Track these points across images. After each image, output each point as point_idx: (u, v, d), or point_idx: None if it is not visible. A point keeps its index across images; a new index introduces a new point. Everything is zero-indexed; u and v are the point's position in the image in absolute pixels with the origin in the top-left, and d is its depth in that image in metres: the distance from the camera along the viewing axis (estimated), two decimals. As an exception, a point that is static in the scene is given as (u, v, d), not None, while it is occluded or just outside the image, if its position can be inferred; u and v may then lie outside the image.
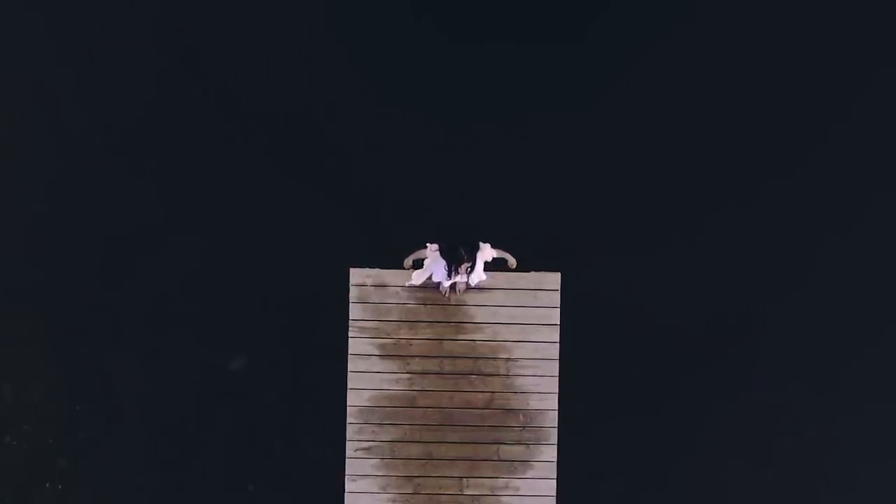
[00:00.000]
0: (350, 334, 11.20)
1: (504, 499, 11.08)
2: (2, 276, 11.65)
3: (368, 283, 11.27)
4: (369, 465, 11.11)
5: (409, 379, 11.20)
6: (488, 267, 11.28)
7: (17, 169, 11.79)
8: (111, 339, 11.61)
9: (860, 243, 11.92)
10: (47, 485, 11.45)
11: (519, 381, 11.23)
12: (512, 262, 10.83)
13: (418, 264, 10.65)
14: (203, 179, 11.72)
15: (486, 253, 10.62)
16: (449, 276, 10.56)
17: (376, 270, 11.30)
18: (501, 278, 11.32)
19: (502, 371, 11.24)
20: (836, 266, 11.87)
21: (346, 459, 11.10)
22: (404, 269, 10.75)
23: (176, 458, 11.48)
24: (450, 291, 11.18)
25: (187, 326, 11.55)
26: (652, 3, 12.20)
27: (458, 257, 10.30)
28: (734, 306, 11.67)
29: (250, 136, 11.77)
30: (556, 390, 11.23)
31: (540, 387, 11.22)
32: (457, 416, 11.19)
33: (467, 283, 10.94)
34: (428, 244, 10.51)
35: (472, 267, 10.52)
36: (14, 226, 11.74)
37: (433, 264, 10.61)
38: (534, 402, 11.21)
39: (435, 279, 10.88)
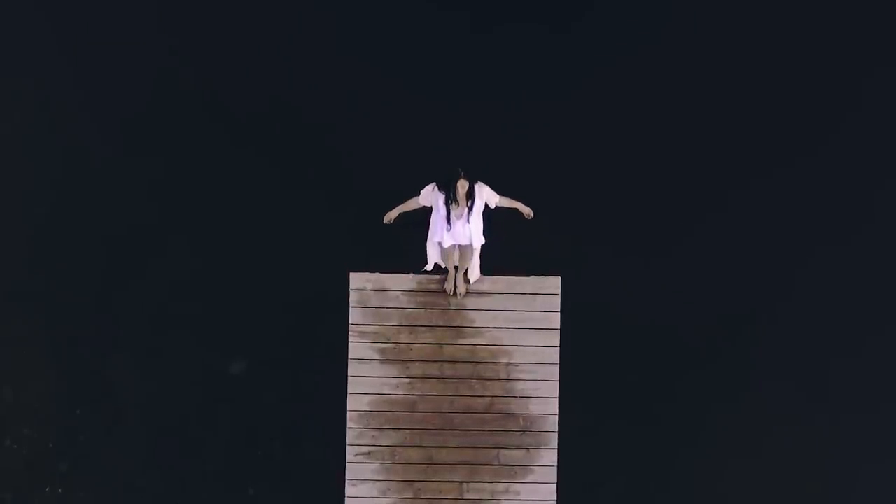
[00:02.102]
0: (350, 339, 11.19)
1: (504, 503, 11.08)
2: (2, 279, 11.62)
3: (368, 288, 11.25)
4: (369, 470, 11.11)
5: (409, 383, 11.19)
6: (488, 270, 11.30)
7: (17, 171, 11.74)
8: (112, 343, 11.59)
9: (859, 244, 11.89)
10: (47, 488, 11.46)
11: (519, 386, 11.22)
12: (526, 210, 10.81)
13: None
14: (204, 183, 11.69)
15: (486, 192, 10.63)
16: (448, 215, 10.51)
17: (376, 275, 11.29)
18: (502, 282, 11.32)
19: (502, 375, 11.23)
20: (836, 267, 11.85)
21: (347, 464, 11.10)
22: (384, 223, 10.75)
23: (176, 462, 11.49)
24: (452, 294, 11.17)
25: (188, 330, 11.53)
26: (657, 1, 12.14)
27: (455, 175, 10.36)
28: (734, 310, 11.66)
29: (251, 139, 11.73)
30: (557, 394, 11.23)
31: (540, 391, 11.22)
32: (457, 421, 11.19)
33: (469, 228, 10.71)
34: (423, 189, 10.58)
35: (473, 201, 10.51)
36: (14, 228, 11.70)
37: (435, 215, 10.64)
38: (534, 407, 11.21)
39: (436, 237, 10.78)
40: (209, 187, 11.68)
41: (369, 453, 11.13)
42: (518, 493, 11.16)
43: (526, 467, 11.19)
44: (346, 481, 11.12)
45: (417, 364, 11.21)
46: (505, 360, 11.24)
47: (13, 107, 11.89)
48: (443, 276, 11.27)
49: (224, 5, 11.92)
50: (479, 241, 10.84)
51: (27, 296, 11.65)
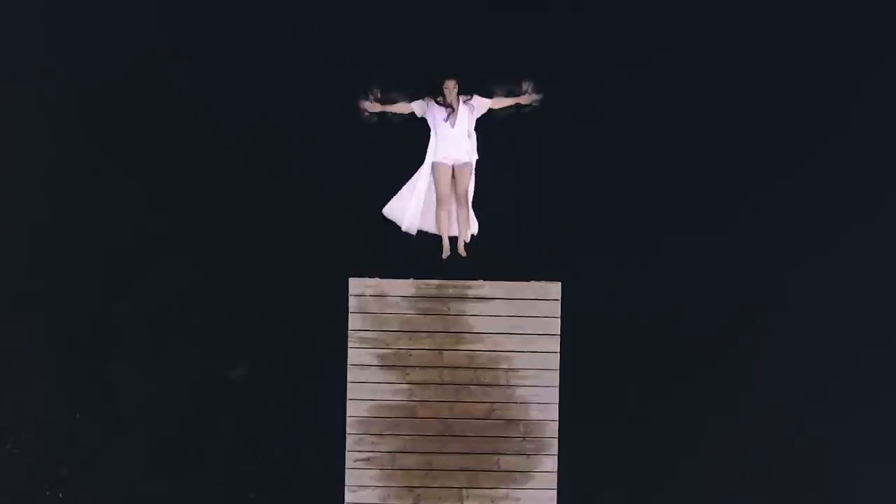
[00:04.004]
0: (350, 344, 11.14)
1: (504, 509, 11.07)
2: (2, 285, 11.61)
3: (368, 294, 11.20)
4: (369, 476, 11.08)
5: (408, 389, 11.14)
6: (488, 275, 11.27)
7: (16, 177, 11.72)
8: (112, 348, 11.58)
9: (860, 247, 11.82)
10: (48, 492, 11.48)
11: (519, 392, 11.17)
12: (526, 99, 10.86)
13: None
14: (204, 190, 11.65)
15: (478, 101, 10.80)
16: (446, 108, 10.70)
17: (376, 280, 11.24)
18: (502, 288, 11.26)
19: (502, 381, 11.17)
20: (837, 271, 11.78)
21: (346, 470, 11.07)
22: (361, 107, 10.81)
23: (177, 466, 11.49)
24: (448, 249, 11.18)
25: (188, 336, 11.53)
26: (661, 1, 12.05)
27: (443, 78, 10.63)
28: (735, 316, 11.61)
29: (251, 147, 11.69)
30: (557, 400, 11.19)
31: (540, 397, 11.16)
32: (457, 427, 11.14)
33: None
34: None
35: (469, 97, 10.75)
36: (14, 234, 11.68)
37: (433, 130, 10.87)
38: (534, 413, 11.15)
39: (438, 153, 10.89)
40: (209, 194, 11.66)
41: (369, 459, 11.09)
42: (518, 499, 11.11)
43: (526, 473, 11.14)
44: (346, 487, 11.09)
45: (417, 370, 11.17)
46: (505, 365, 11.19)
47: (13, 114, 11.84)
48: (442, 282, 11.24)
49: (222, 10, 11.84)
50: (475, 154, 10.90)
51: (28, 302, 11.65)
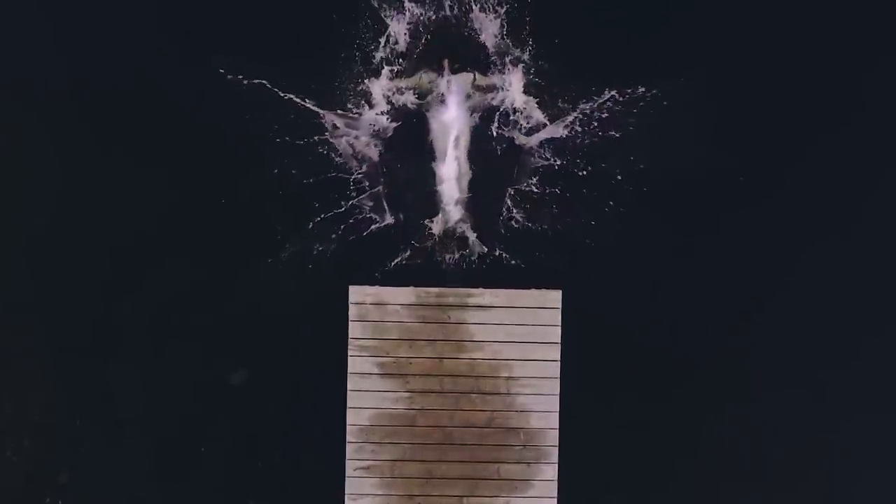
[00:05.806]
0: (350, 353, 11.17)
1: (505, 518, 11.11)
2: (2, 289, 11.58)
3: (368, 301, 11.21)
4: (369, 485, 11.11)
5: (409, 398, 11.17)
6: (491, 281, 11.27)
7: (16, 181, 11.67)
8: (112, 353, 11.55)
9: (857, 250, 11.78)
10: (48, 500, 11.47)
11: (520, 400, 11.20)
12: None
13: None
14: (205, 192, 11.59)
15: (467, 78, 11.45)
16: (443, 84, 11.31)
17: (376, 288, 11.25)
18: (502, 296, 11.26)
19: (503, 390, 11.20)
20: (835, 273, 11.75)
21: (346, 478, 11.11)
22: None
23: (177, 473, 11.48)
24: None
25: (188, 341, 11.49)
26: (659, 3, 11.96)
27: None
28: (736, 321, 11.57)
29: (253, 150, 11.62)
30: (557, 409, 11.21)
31: (541, 405, 11.20)
32: (457, 435, 11.17)
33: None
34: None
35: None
36: (14, 238, 11.64)
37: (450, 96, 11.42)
38: (534, 421, 11.19)
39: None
40: (211, 197, 11.59)
41: (369, 468, 11.12)
42: (518, 507, 11.17)
43: (526, 482, 11.18)
44: (346, 496, 11.13)
45: (417, 378, 11.19)
46: (505, 374, 11.21)
47: (12, 117, 11.78)
48: (442, 290, 11.26)
49: (220, 11, 11.74)
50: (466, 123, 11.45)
51: (27, 306, 11.61)
